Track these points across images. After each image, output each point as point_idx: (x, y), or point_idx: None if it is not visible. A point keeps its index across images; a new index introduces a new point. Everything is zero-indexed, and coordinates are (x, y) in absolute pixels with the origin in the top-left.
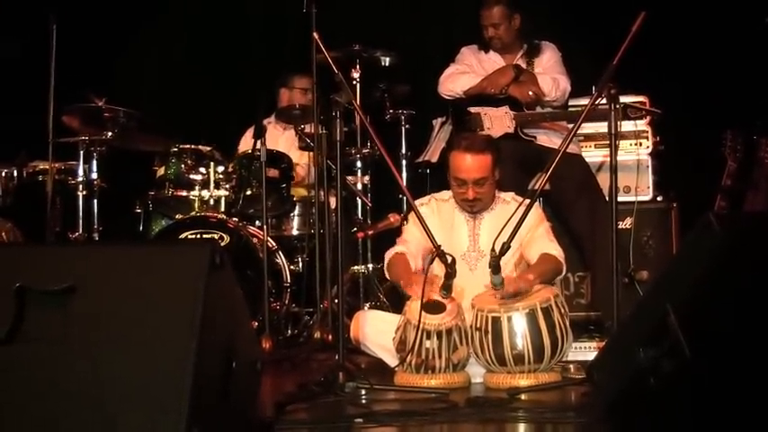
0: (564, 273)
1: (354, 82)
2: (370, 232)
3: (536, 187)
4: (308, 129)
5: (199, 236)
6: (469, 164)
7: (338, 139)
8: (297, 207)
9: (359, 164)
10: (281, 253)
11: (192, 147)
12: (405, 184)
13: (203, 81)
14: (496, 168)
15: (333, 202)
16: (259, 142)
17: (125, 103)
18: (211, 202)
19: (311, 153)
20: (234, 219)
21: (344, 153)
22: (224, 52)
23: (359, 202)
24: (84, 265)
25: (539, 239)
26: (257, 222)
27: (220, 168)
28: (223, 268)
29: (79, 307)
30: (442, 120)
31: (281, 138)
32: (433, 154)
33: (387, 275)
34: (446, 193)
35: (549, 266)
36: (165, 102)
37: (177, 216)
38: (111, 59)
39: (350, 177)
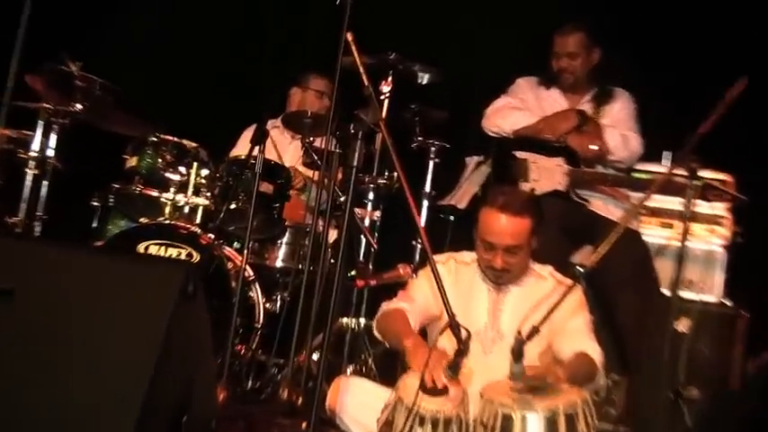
0: (598, 382)
1: (383, 96)
2: (373, 282)
3: (581, 263)
4: (318, 142)
5: (163, 249)
6: (503, 226)
7: (354, 164)
8: (287, 234)
9: (371, 195)
10: (257, 286)
11: (175, 140)
12: (423, 228)
13: (200, 65)
14: (534, 236)
15: (332, 235)
16: (257, 148)
17: (104, 74)
18: (186, 209)
19: (316, 172)
20: (209, 235)
21: (357, 180)
22: (230, 33)
23: (363, 241)
24: (27, 266)
25: (575, 333)
26: (236, 243)
27: (204, 171)
28: (194, 299)
29: (17, 313)
30: (478, 159)
31: (286, 147)
32: (461, 198)
33: (376, 331)
34: (468, 255)
35: (584, 369)
36: (153, 82)
37: (141, 219)
38: (95, 25)
39: (358, 210)
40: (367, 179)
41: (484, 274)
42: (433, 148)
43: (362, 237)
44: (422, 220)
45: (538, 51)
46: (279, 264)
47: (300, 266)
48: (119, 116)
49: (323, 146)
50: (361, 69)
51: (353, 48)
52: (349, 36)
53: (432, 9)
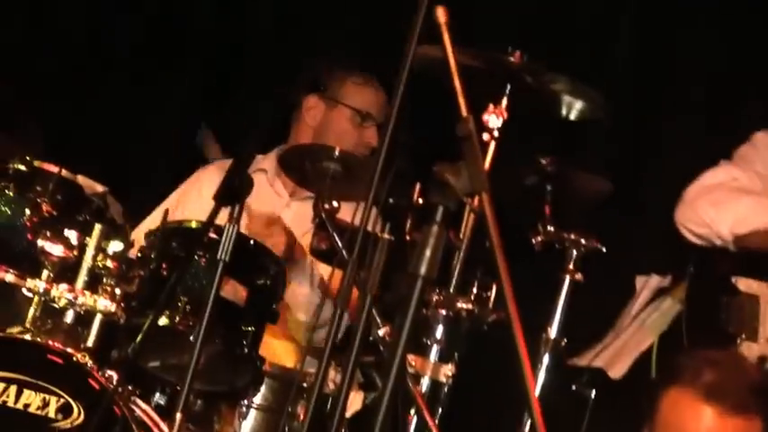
0: None
1: (488, 137)
2: None
3: None
4: (347, 214)
5: (13, 390)
6: (709, 429)
7: (422, 271)
8: (264, 388)
9: (439, 331)
10: None
11: (65, 174)
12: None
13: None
14: None
15: (355, 402)
16: (226, 210)
17: None
18: (69, 316)
19: (335, 270)
20: (109, 372)
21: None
22: None
23: (414, 420)
24: None
25: None
26: (159, 396)
27: (115, 244)
28: None
29: None
30: (659, 281)
31: (278, 210)
32: (614, 361)
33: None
34: None
35: None
36: (35, 71)
37: None
38: None
39: (412, 359)
40: (437, 299)
41: None
42: (572, 252)
43: (414, 414)
44: (536, 389)
45: None
46: None
47: None
48: None
49: (356, 222)
50: (457, 81)
51: (446, 36)
52: (441, 13)
53: None
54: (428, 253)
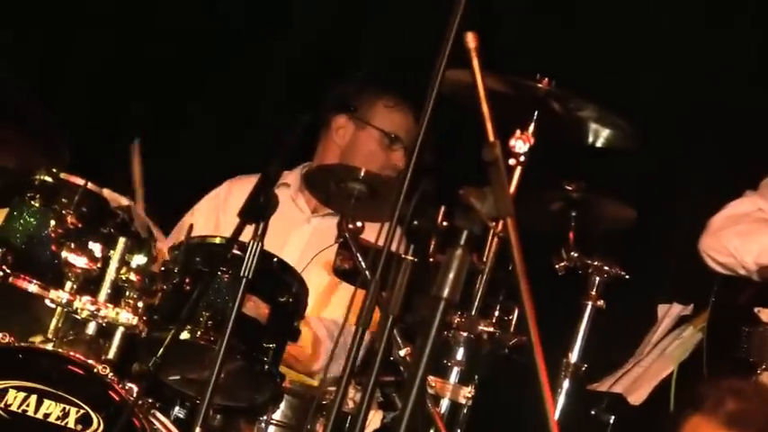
0: None
1: (513, 162)
2: None
3: None
4: (370, 235)
5: (33, 399)
6: None
7: (445, 294)
8: (283, 405)
9: (460, 353)
10: None
11: (90, 186)
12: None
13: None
14: None
15: (376, 421)
16: (251, 227)
17: None
18: (90, 328)
19: (358, 290)
20: (129, 386)
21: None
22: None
23: None
24: None
25: None
26: (179, 409)
27: (139, 258)
28: None
29: None
30: (681, 310)
31: (298, 227)
32: (634, 388)
33: None
34: None
35: None
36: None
37: None
38: None
39: (432, 378)
40: (459, 321)
41: None
42: (595, 278)
43: None
44: (556, 413)
45: None
46: None
47: None
48: None
49: (379, 243)
50: (485, 106)
51: (475, 61)
52: (471, 39)
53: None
54: (451, 276)
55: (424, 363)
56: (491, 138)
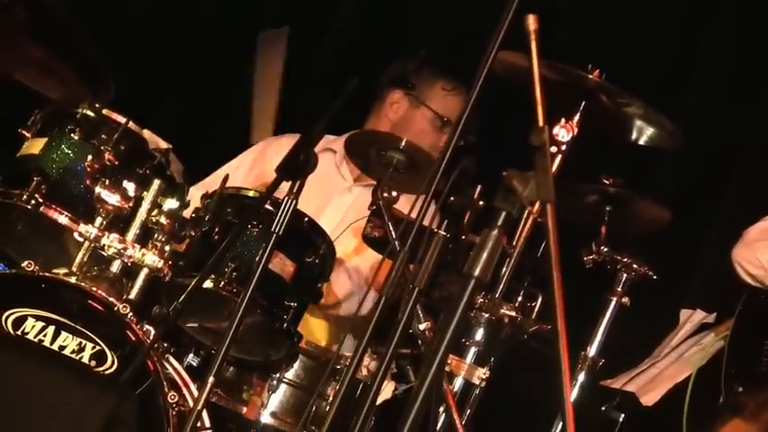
0: None
1: (555, 150)
2: None
3: None
4: (403, 205)
5: (51, 330)
6: None
7: (476, 272)
8: (297, 363)
9: (479, 333)
10: None
11: (131, 126)
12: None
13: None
14: None
15: (387, 391)
16: (287, 184)
17: None
18: (115, 266)
19: (383, 262)
20: (147, 327)
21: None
22: None
23: (442, 417)
24: None
25: None
26: (192, 356)
27: (171, 202)
28: None
29: None
30: (703, 316)
31: (336, 193)
32: (649, 388)
33: None
34: None
35: None
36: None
37: (25, 262)
38: None
39: (452, 359)
40: (482, 302)
41: None
42: (623, 275)
43: (443, 411)
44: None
45: None
46: (265, 419)
47: None
48: (32, 52)
49: (411, 216)
50: (538, 91)
51: (533, 45)
52: (532, 21)
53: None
54: (485, 256)
55: (448, 338)
56: (540, 123)
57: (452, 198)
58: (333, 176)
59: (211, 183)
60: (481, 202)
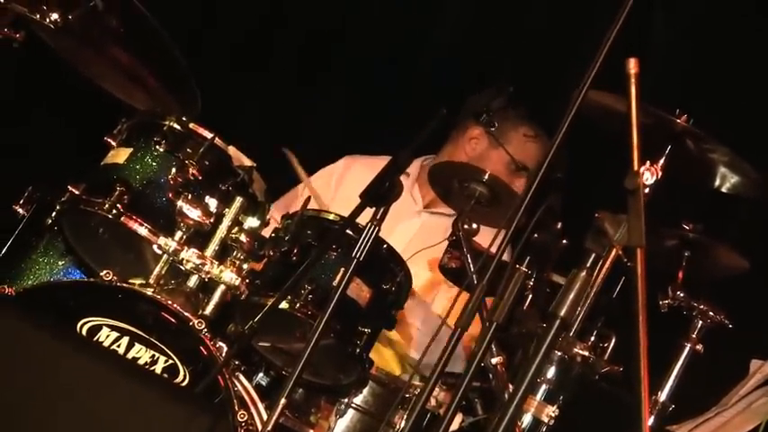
0: None
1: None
2: None
3: None
4: (484, 239)
5: (125, 341)
6: None
7: (562, 312)
8: (366, 390)
9: (551, 371)
10: None
11: (216, 141)
12: None
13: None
14: None
15: (454, 423)
16: (371, 209)
17: None
18: (192, 281)
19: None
20: (220, 344)
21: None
22: None
23: None
24: None
25: None
26: (262, 375)
27: (251, 221)
28: None
29: None
30: None
31: (406, 217)
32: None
33: None
34: None
35: None
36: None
37: (103, 271)
38: None
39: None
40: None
41: None
42: (698, 322)
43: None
44: None
45: None
46: None
47: None
48: (123, 62)
49: (493, 251)
50: (635, 135)
51: (633, 88)
52: (633, 64)
53: None
54: (571, 296)
55: (530, 375)
56: (635, 166)
57: (536, 235)
58: (404, 199)
59: (291, 198)
60: (564, 241)
